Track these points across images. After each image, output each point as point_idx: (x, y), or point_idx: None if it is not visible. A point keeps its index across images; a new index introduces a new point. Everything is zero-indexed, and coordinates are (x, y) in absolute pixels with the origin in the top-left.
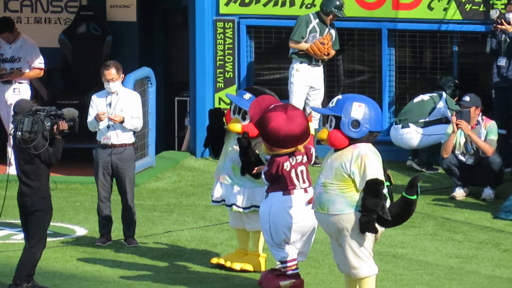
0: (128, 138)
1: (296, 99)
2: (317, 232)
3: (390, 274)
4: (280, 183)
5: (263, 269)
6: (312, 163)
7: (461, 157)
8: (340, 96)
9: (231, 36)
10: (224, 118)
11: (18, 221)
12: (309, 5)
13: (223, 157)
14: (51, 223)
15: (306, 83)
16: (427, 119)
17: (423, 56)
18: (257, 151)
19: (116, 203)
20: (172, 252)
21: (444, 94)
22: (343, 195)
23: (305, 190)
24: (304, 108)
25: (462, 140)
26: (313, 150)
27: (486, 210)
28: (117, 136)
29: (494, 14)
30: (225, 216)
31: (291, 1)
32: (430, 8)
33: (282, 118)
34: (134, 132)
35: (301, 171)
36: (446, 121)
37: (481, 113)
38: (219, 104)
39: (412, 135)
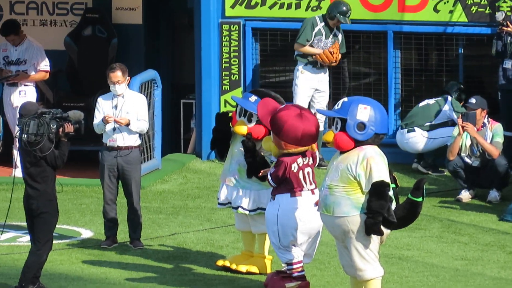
0: (134, 141)
1: (300, 101)
2: (323, 234)
3: (396, 276)
4: (288, 184)
5: (268, 271)
6: (316, 165)
7: (467, 159)
8: (345, 99)
9: (237, 38)
10: (230, 122)
11: (24, 223)
12: (315, 8)
13: (229, 159)
14: (57, 226)
15: (310, 85)
16: (432, 122)
17: (428, 58)
18: (262, 153)
19: (122, 205)
20: (177, 254)
21: (449, 97)
22: (348, 197)
23: (312, 192)
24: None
25: (468, 143)
26: (317, 152)
27: (492, 212)
28: (123, 138)
29: (499, 16)
30: (231, 219)
31: (297, 4)
32: (436, 10)
33: (298, 117)
34: (140, 135)
35: (308, 173)
36: (452, 123)
37: (487, 115)
38: (225, 106)
39: (418, 139)
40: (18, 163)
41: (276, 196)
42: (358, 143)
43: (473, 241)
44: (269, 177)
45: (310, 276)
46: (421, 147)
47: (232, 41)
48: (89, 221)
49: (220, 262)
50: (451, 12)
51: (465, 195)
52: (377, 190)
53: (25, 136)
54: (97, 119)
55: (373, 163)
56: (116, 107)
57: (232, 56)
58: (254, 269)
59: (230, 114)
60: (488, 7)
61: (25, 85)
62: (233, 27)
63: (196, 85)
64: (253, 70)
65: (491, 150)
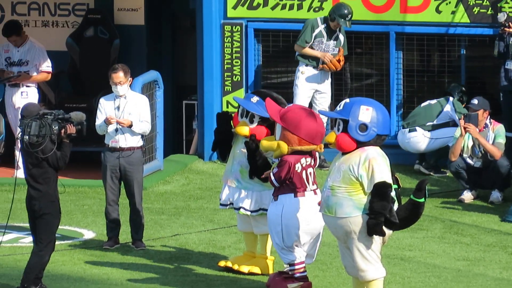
0: (136, 142)
1: (300, 102)
2: (325, 235)
3: (398, 277)
4: (291, 184)
5: (271, 271)
6: (317, 166)
7: (469, 160)
8: (347, 100)
9: (239, 39)
10: (231, 121)
11: (26, 224)
12: (317, 9)
13: (231, 160)
14: (59, 226)
15: (311, 86)
16: (434, 122)
17: (430, 59)
18: (264, 154)
19: (124, 206)
20: (180, 255)
21: (451, 98)
22: (350, 198)
23: (315, 192)
24: None
25: (470, 143)
26: (317, 153)
27: (494, 213)
28: (125, 139)
29: (502, 17)
30: (233, 219)
31: (299, 5)
32: (438, 11)
33: (311, 114)
34: (142, 136)
35: (310, 173)
36: (454, 124)
37: (489, 116)
38: (227, 107)
39: (419, 139)
40: (20, 164)
41: (279, 197)
42: (360, 144)
43: (475, 242)
44: (272, 177)
45: (312, 277)
46: (422, 147)
47: (234, 42)
48: (91, 222)
49: (222, 263)
50: (453, 13)
51: (467, 196)
52: (379, 191)
53: (27, 137)
54: (99, 120)
55: (375, 164)
56: (118, 108)
57: (234, 57)
58: (256, 269)
59: (231, 114)
60: (490, 8)
61: (27, 86)
62: (235, 28)
63: (198, 86)
64: (255, 71)
65: (493, 151)
